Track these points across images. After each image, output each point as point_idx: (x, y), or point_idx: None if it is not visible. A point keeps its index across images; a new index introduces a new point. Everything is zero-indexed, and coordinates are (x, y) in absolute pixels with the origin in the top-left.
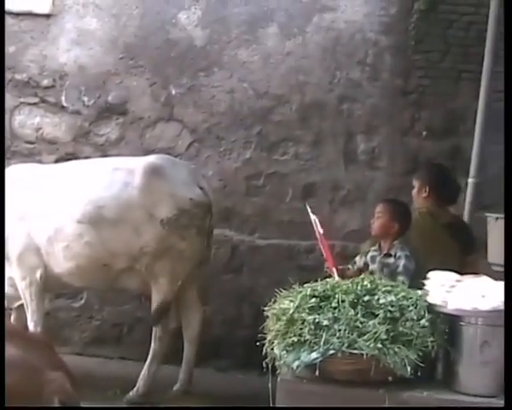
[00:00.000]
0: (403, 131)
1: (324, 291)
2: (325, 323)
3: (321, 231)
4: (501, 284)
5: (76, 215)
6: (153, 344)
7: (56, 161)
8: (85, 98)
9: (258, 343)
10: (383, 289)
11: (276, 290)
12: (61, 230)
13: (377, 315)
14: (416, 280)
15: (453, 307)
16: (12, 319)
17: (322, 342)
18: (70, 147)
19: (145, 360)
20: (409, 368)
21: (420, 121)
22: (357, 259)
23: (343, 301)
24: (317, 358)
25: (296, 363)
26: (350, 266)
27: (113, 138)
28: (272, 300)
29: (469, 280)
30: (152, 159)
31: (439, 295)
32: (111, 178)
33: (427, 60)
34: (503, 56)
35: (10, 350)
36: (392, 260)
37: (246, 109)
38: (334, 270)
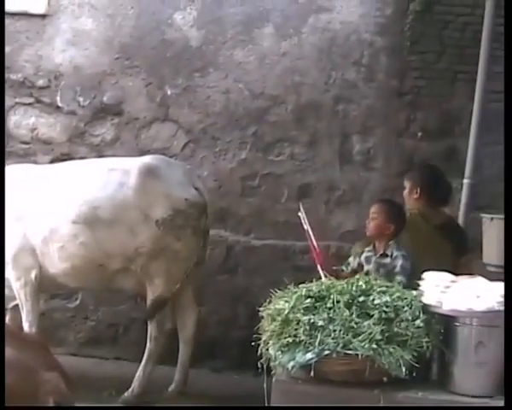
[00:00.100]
0: (398, 132)
1: (319, 292)
2: (320, 323)
3: (308, 227)
4: (496, 285)
5: (71, 216)
6: (148, 345)
7: (51, 162)
8: (81, 98)
9: (253, 344)
10: (378, 289)
11: (272, 291)
12: (56, 230)
13: (372, 316)
14: (411, 281)
15: (448, 307)
16: (7, 319)
17: (317, 343)
18: (65, 147)
19: (140, 361)
20: (404, 369)
21: (415, 122)
22: (351, 260)
23: (338, 302)
24: (311, 358)
25: (291, 363)
26: (344, 268)
27: (108, 139)
28: (267, 300)
29: (464, 281)
30: (147, 159)
31: (434, 295)
32: (106, 178)
33: (422, 61)
34: (498, 57)
35: (5, 351)
36: (388, 260)
37: (241, 110)
38: (320, 266)
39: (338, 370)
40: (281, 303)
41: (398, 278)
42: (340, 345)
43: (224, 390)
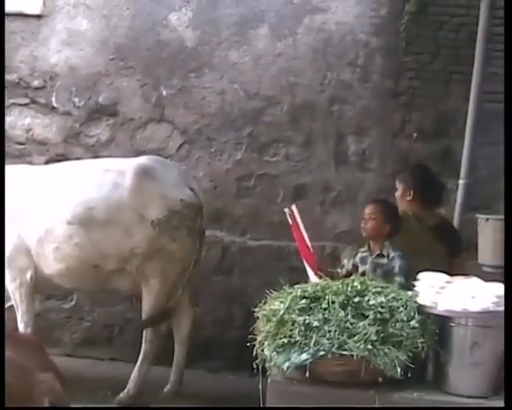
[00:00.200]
0: (393, 133)
1: (314, 292)
2: (315, 324)
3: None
4: (491, 285)
5: (66, 216)
6: (143, 345)
7: (47, 162)
8: (76, 99)
9: (248, 344)
10: (373, 290)
11: (267, 291)
12: (51, 231)
13: (367, 316)
14: (406, 281)
15: (443, 308)
16: None
17: (312, 344)
18: (60, 148)
19: (136, 362)
20: (399, 369)
21: (410, 123)
22: (346, 261)
23: (333, 303)
24: (307, 359)
25: (286, 364)
26: (339, 270)
27: (103, 139)
28: (263, 301)
29: (459, 281)
30: (142, 160)
31: (429, 296)
32: (101, 179)
33: (417, 61)
34: (493, 58)
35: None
36: (385, 260)
37: (236, 110)
38: (308, 264)
39: (333, 370)
40: (276, 304)
41: (398, 278)
42: (336, 346)
43: (219, 391)
